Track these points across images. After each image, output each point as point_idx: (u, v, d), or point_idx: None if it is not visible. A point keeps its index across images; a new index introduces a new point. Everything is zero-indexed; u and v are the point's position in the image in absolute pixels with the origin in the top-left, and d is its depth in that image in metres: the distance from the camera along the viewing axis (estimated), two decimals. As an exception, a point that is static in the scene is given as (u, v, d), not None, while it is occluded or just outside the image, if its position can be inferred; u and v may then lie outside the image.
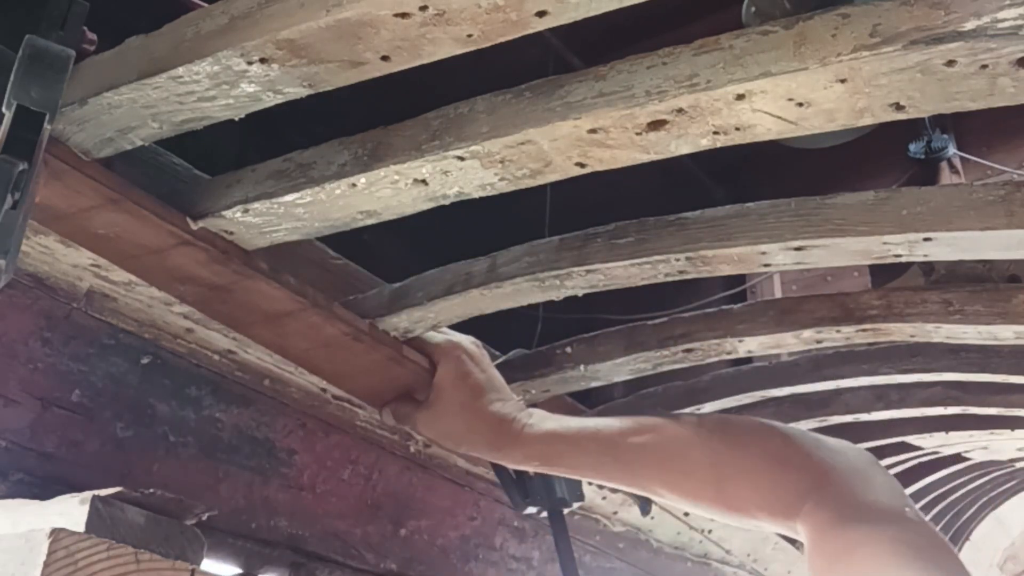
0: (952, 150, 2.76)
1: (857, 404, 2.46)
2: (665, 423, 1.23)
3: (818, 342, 2.03)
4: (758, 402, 2.47)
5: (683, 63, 1.22)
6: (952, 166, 2.79)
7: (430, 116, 1.40)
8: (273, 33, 1.17)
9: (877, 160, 2.85)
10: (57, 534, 1.24)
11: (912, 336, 1.97)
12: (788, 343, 2.06)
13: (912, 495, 3.35)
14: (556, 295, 1.83)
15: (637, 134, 1.28)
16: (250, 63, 1.22)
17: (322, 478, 2.16)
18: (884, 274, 2.31)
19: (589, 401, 2.66)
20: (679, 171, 2.70)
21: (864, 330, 1.95)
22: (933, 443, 2.82)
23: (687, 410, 2.42)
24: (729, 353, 2.12)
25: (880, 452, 2.89)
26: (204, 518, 1.46)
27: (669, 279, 1.74)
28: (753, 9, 2.23)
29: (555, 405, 2.45)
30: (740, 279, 2.98)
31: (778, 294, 2.94)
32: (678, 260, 1.66)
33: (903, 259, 1.57)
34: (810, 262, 1.63)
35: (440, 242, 2.35)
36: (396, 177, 1.41)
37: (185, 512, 1.43)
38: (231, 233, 1.57)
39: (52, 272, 1.65)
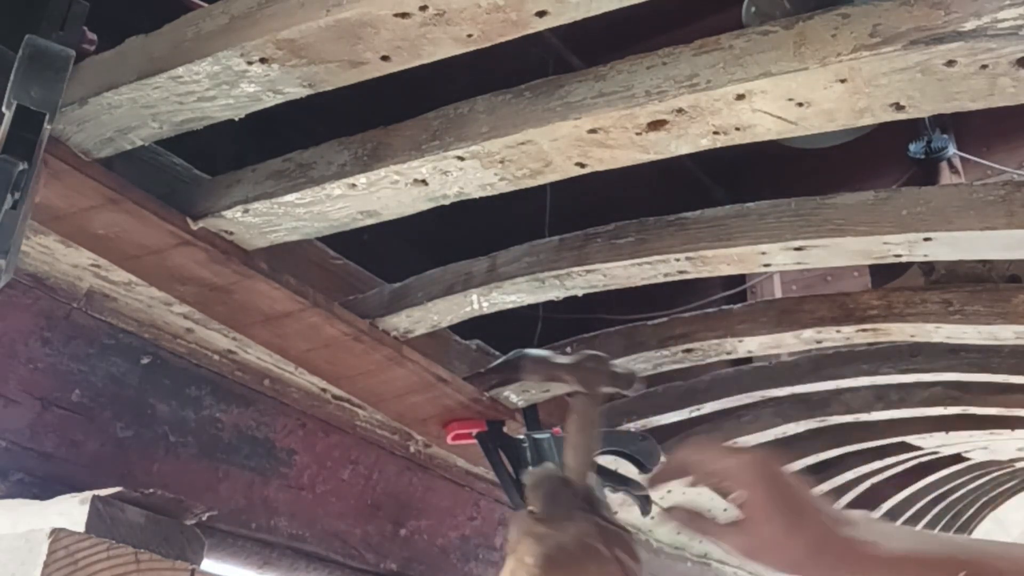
0: (952, 150, 2.76)
1: (857, 404, 2.46)
2: None
3: (818, 342, 2.03)
4: (758, 402, 2.47)
5: (683, 63, 1.22)
6: (952, 166, 2.79)
7: (430, 116, 1.40)
8: (273, 33, 1.17)
9: (877, 160, 2.85)
10: (57, 534, 1.24)
11: (912, 336, 1.97)
12: (788, 343, 2.06)
13: (912, 495, 3.35)
14: (556, 295, 1.83)
15: (637, 134, 1.28)
16: (250, 63, 1.22)
17: (322, 478, 2.16)
18: (884, 274, 2.30)
19: (589, 401, 2.65)
20: (679, 171, 2.69)
21: (864, 330, 1.95)
22: (933, 443, 2.82)
23: (686, 410, 2.42)
24: (729, 353, 2.12)
25: (880, 452, 2.89)
26: (204, 518, 1.45)
27: (669, 279, 1.74)
28: (753, 9, 2.23)
29: (555, 405, 2.45)
30: (740, 279, 2.97)
31: (778, 294, 2.94)
32: (678, 260, 1.67)
33: (903, 259, 1.57)
34: (810, 262, 1.63)
35: (440, 242, 2.34)
36: (396, 177, 1.41)
37: (185, 512, 1.43)
38: (231, 233, 1.57)
39: (52, 272, 1.65)
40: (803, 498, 0.97)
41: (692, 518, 1.01)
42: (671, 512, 1.03)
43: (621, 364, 1.09)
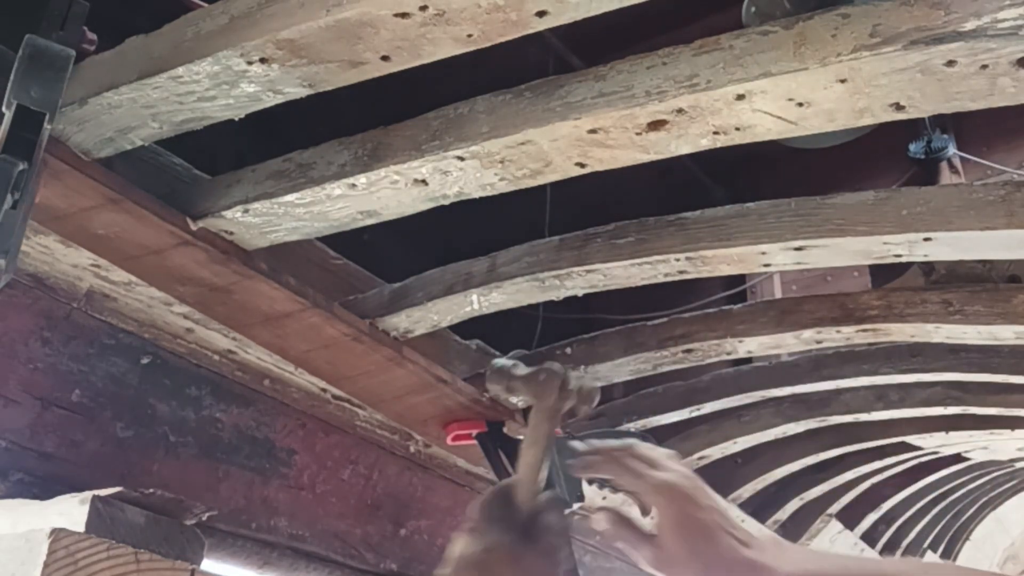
0: (952, 150, 2.75)
1: (857, 404, 2.46)
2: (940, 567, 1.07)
3: (818, 342, 2.03)
4: (758, 402, 2.47)
5: (683, 63, 1.22)
6: (952, 166, 2.78)
7: (430, 116, 1.40)
8: (273, 33, 1.17)
9: (877, 160, 2.85)
10: (57, 534, 1.24)
11: (912, 336, 1.97)
12: (788, 343, 2.06)
13: (912, 495, 3.35)
14: (556, 295, 1.83)
15: (637, 134, 1.28)
16: (250, 63, 1.22)
17: (322, 478, 2.16)
18: (884, 274, 2.30)
19: (589, 401, 2.65)
20: (679, 171, 2.69)
21: (864, 330, 1.95)
22: (933, 443, 2.82)
23: (686, 410, 2.42)
24: (729, 353, 2.12)
25: (880, 452, 2.89)
26: (204, 518, 1.46)
27: (669, 279, 1.74)
28: (753, 9, 2.22)
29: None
30: (740, 279, 2.97)
31: (778, 294, 2.93)
32: (678, 260, 1.67)
33: (903, 259, 1.58)
34: (810, 262, 1.63)
35: (440, 242, 2.34)
36: (396, 177, 1.41)
37: (185, 512, 1.43)
38: (231, 233, 1.57)
39: (52, 272, 1.65)
40: (711, 521, 1.03)
41: (616, 523, 1.03)
42: (599, 513, 1.04)
43: (581, 377, 1.06)
